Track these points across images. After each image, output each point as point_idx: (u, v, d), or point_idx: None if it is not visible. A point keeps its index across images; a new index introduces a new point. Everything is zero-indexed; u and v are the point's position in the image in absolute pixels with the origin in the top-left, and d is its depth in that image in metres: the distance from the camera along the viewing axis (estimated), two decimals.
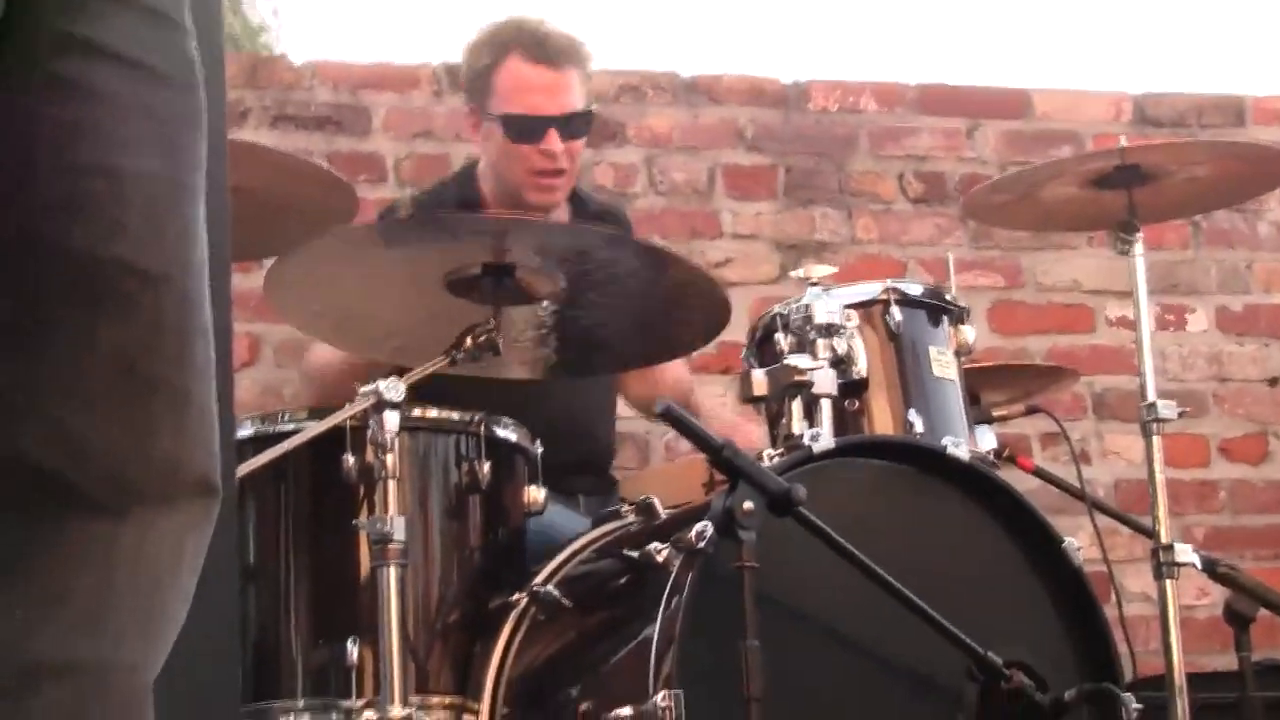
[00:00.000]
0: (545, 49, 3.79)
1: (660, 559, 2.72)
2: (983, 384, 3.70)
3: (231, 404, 1.77)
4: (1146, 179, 3.40)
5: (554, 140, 3.77)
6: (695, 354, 4.22)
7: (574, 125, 3.81)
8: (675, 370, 4.07)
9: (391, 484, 2.83)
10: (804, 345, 3.06)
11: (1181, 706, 3.18)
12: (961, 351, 3.24)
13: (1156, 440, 3.34)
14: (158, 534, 1.38)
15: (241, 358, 4.47)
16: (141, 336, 1.37)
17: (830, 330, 3.05)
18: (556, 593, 2.92)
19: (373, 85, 4.79)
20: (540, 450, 3.20)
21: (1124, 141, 3.40)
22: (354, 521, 2.89)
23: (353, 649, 2.91)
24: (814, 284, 3.11)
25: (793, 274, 3.18)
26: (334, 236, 3.02)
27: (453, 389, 3.11)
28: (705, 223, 4.88)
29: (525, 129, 3.77)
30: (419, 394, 2.97)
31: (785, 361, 3.01)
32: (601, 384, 3.96)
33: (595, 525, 3.16)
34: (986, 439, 3.30)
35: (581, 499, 3.77)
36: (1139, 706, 2.87)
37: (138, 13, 1.38)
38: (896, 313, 3.14)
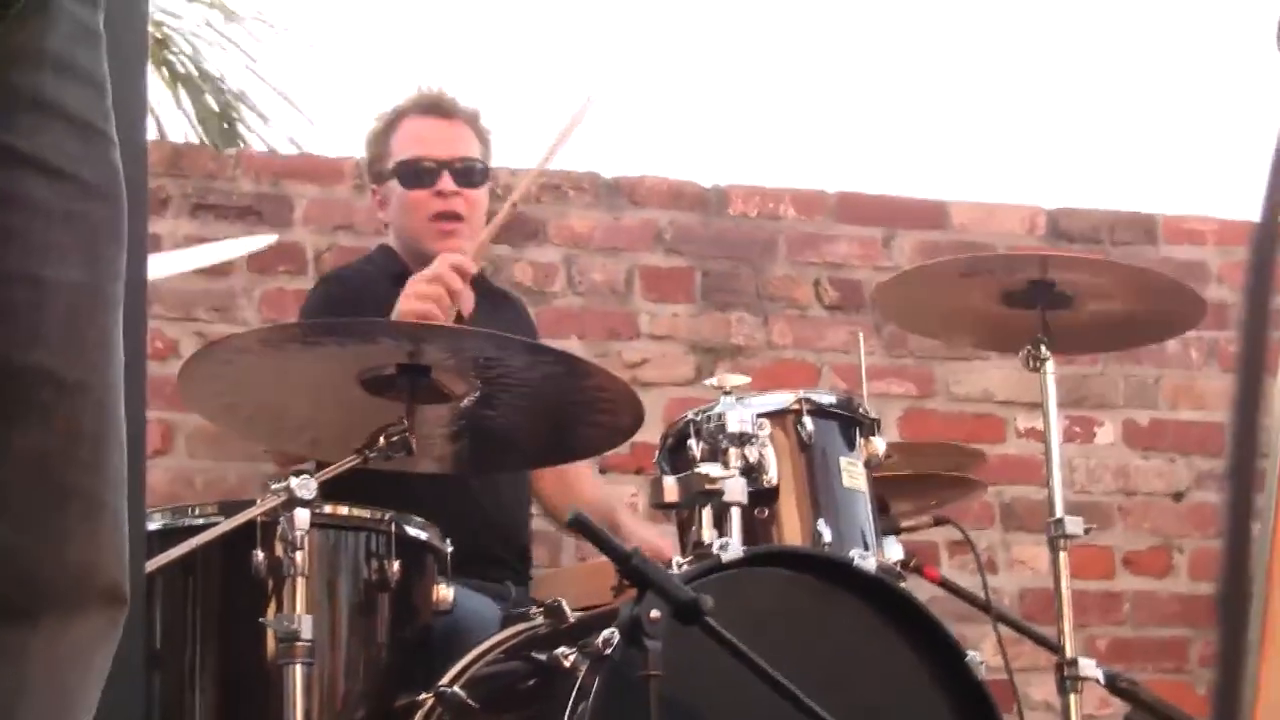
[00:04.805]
0: (437, 104, 3.94)
1: (567, 664, 2.73)
2: (892, 493, 3.74)
3: (143, 508, 1.77)
4: (1061, 300, 3.45)
5: (447, 181, 3.85)
6: (608, 454, 4.24)
7: (468, 171, 3.89)
8: (593, 489, 4.12)
9: (300, 581, 2.83)
10: (716, 453, 3.08)
11: None
12: (872, 462, 3.26)
13: (1063, 556, 3.38)
14: (68, 642, 1.38)
15: (154, 445, 4.45)
16: (57, 444, 1.38)
17: (742, 439, 3.07)
18: (463, 693, 2.91)
19: (295, 176, 4.80)
20: (451, 545, 3.21)
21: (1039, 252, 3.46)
22: (261, 619, 2.89)
23: None
24: (727, 392, 3.13)
25: (707, 382, 3.20)
26: (252, 338, 3.03)
27: (373, 479, 3.14)
28: (623, 323, 4.90)
29: (418, 173, 3.87)
30: (335, 486, 2.99)
31: (697, 469, 3.03)
32: (520, 479, 3.98)
33: (504, 626, 3.16)
34: (894, 549, 3.33)
35: (512, 587, 3.79)
36: None
37: (65, 124, 1.40)
38: (808, 422, 3.17)
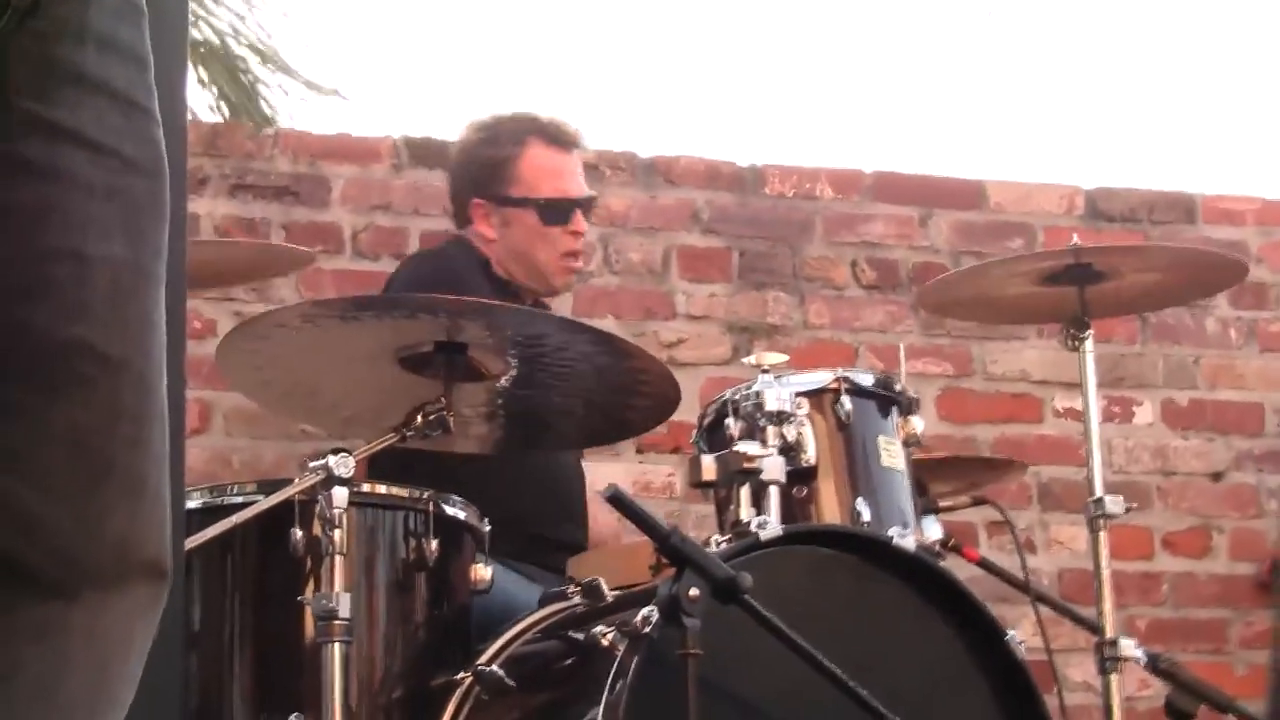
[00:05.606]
0: (562, 135, 4.00)
1: (605, 643, 2.73)
2: (930, 474, 3.73)
3: (183, 485, 1.77)
4: (1098, 277, 3.44)
5: (580, 221, 3.96)
6: (645, 433, 4.24)
7: (591, 208, 4.04)
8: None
9: (338, 559, 2.83)
10: (754, 431, 3.07)
11: None
12: (910, 442, 3.26)
13: (1103, 536, 3.37)
14: (109, 617, 1.38)
15: (192, 424, 4.46)
16: (98, 420, 1.38)
17: (780, 417, 3.06)
18: (500, 672, 2.91)
19: (332, 156, 4.80)
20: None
21: (1076, 239, 3.44)
22: (299, 598, 2.89)
23: None
24: (765, 371, 3.12)
25: (745, 360, 3.19)
26: (292, 313, 3.03)
27: (432, 461, 3.19)
28: (659, 303, 4.90)
29: (559, 212, 3.93)
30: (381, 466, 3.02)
31: (735, 447, 3.03)
32: (577, 463, 3.99)
33: (541, 605, 3.16)
34: (933, 529, 3.32)
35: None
36: None
37: (108, 100, 1.39)
38: (847, 402, 3.16)
